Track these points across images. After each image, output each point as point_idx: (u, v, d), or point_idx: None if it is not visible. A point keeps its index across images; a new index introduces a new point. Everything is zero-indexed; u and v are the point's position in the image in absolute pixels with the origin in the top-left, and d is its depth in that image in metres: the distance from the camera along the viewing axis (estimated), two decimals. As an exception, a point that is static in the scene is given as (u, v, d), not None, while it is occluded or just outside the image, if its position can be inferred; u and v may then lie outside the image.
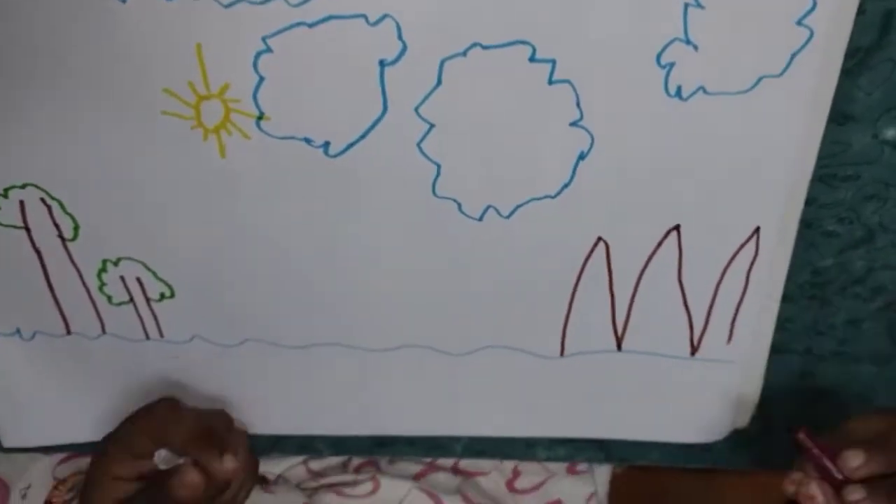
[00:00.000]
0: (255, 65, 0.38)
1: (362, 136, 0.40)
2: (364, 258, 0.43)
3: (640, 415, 0.50)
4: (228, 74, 0.38)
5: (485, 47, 0.38)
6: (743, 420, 0.50)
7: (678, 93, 0.39)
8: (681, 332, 0.47)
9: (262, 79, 0.38)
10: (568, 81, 0.39)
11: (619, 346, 0.47)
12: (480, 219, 0.43)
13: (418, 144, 0.40)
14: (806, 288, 0.46)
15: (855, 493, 0.38)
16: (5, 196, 0.42)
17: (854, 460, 0.38)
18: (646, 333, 0.47)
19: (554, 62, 0.38)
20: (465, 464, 0.54)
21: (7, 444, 0.50)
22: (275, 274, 0.44)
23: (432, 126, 0.40)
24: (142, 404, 0.44)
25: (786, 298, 0.46)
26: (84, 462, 0.52)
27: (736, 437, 0.51)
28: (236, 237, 0.43)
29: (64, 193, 0.42)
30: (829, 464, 0.39)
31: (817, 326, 0.48)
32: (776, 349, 0.48)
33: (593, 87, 0.39)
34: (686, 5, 0.36)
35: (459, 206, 0.42)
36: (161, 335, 0.47)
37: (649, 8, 0.36)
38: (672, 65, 0.38)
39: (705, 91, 0.39)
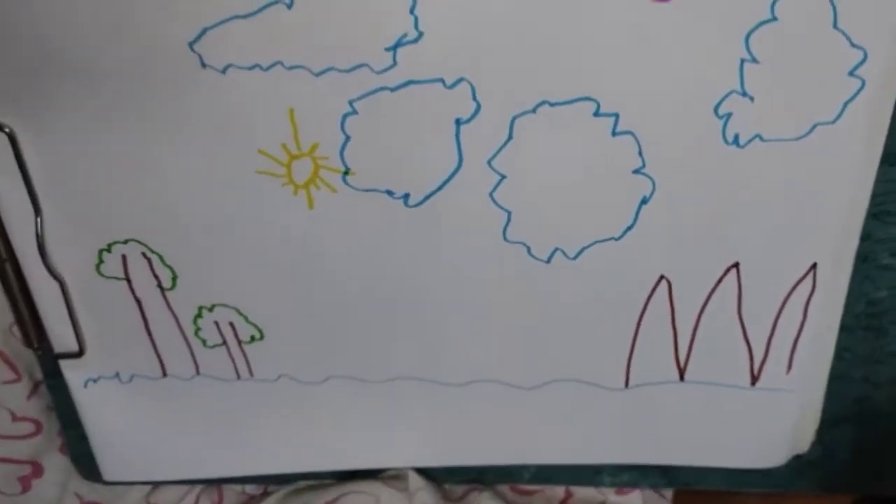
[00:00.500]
0: (342, 125, 0.41)
1: (439, 188, 0.43)
2: (441, 299, 0.46)
3: (702, 441, 0.52)
4: (318, 135, 0.41)
5: (552, 104, 0.40)
6: (803, 446, 0.52)
7: (735, 140, 0.41)
8: (741, 363, 0.49)
9: (348, 138, 0.41)
10: (630, 133, 0.41)
11: (681, 377, 0.50)
12: (548, 261, 0.45)
13: (490, 194, 0.43)
14: (862, 318, 0.48)
15: None
16: (109, 251, 0.46)
17: None
18: (707, 365, 0.49)
19: (617, 115, 0.41)
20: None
21: (108, 478, 0.54)
22: (359, 314, 0.47)
23: (503, 177, 0.43)
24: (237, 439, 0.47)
25: (843, 329, 0.48)
26: (178, 490, 0.56)
27: (796, 463, 0.53)
28: (324, 281, 0.46)
29: (164, 248, 0.45)
30: None
31: (874, 355, 0.49)
32: (835, 377, 0.49)
33: (654, 136, 0.41)
34: (742, 60, 0.39)
35: (529, 249, 0.45)
36: (251, 374, 0.50)
37: (707, 64, 0.39)
38: (729, 115, 0.40)
39: (762, 138, 0.41)
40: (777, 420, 0.50)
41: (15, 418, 0.52)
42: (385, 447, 0.53)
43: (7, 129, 0.42)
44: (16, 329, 0.49)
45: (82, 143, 0.42)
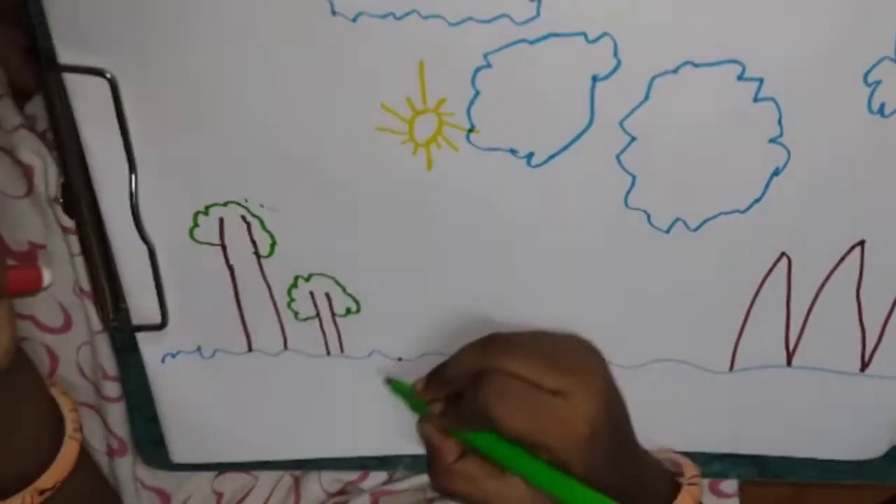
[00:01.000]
0: (473, 79, 0.39)
1: (565, 147, 0.41)
2: (554, 266, 0.44)
3: (801, 431, 0.51)
4: (446, 89, 0.39)
5: (696, 65, 0.39)
6: (902, 437, 0.51)
7: (881, 110, 0.40)
8: (853, 348, 0.47)
9: (477, 93, 0.39)
10: (772, 99, 0.40)
11: (789, 362, 0.48)
12: (668, 231, 0.43)
13: (617, 156, 0.41)
14: (976, 302, 0.47)
15: (433, 410, 0.45)
16: (206, 213, 0.43)
17: (419, 384, 0.46)
18: (818, 348, 0.47)
19: (761, 80, 0.39)
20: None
21: (177, 459, 0.50)
22: (465, 285, 0.45)
23: (633, 139, 0.41)
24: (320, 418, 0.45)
25: (957, 313, 0.47)
26: (244, 478, 0.53)
27: (892, 453, 0.51)
28: (433, 248, 0.43)
29: (267, 210, 0.42)
30: None
31: (984, 341, 0.48)
32: (942, 364, 0.48)
33: (796, 104, 0.40)
34: (900, 24, 0.37)
35: (649, 217, 0.43)
36: (342, 350, 0.47)
37: (862, 29, 0.38)
38: (878, 83, 0.39)
39: (908, 108, 0.40)
40: (883, 409, 0.49)
41: (105, 376, 0.49)
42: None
43: (108, 75, 0.39)
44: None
45: (188, 93, 0.39)
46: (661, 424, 0.50)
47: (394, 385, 0.47)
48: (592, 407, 0.40)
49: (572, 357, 0.42)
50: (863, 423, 0.50)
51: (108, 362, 0.49)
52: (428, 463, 0.46)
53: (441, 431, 0.44)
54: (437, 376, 0.45)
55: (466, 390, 0.42)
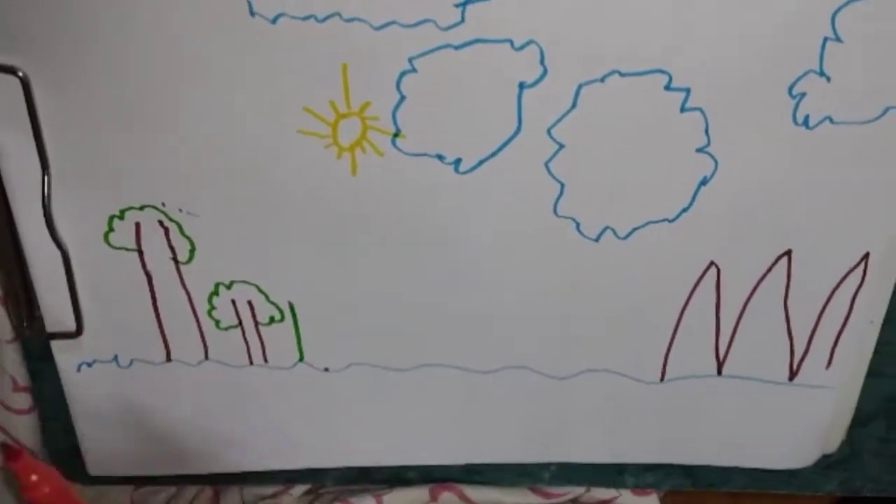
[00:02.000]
0: (398, 84, 0.38)
1: (493, 154, 0.40)
2: (482, 275, 0.43)
3: (733, 440, 0.50)
4: (370, 93, 0.38)
5: (623, 74, 0.38)
6: (832, 445, 0.51)
7: (805, 121, 0.40)
8: (781, 357, 0.47)
9: (403, 97, 0.38)
10: (699, 109, 0.39)
11: (719, 371, 0.48)
12: (597, 240, 0.43)
13: (546, 164, 0.41)
14: (904, 311, 0.47)
15: None
16: (121, 217, 0.41)
17: None
18: (747, 358, 0.47)
19: (688, 90, 0.39)
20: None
21: (94, 472, 0.48)
22: (391, 292, 0.44)
23: (562, 146, 0.40)
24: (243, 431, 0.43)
25: (884, 321, 0.47)
26: (164, 491, 0.51)
27: (823, 463, 0.52)
28: (359, 255, 0.42)
29: (185, 215, 0.41)
30: None
31: (911, 350, 0.49)
32: (869, 373, 0.49)
33: (723, 114, 0.39)
34: (825, 39, 0.37)
35: (578, 225, 0.43)
36: (265, 360, 0.46)
37: (788, 42, 0.38)
38: (803, 95, 0.39)
39: (832, 120, 0.40)
40: (812, 418, 0.49)
41: (16, 387, 0.47)
42: (398, 444, 0.50)
43: (21, 74, 0.37)
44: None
45: (102, 92, 0.38)
46: (593, 435, 0.50)
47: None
48: None
49: None
50: (792, 432, 0.50)
51: (19, 372, 0.47)
52: None
53: None
54: None
55: None
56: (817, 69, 0.38)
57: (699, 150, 0.41)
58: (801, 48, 0.38)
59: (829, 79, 0.38)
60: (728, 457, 0.51)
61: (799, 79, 0.39)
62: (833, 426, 0.50)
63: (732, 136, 0.40)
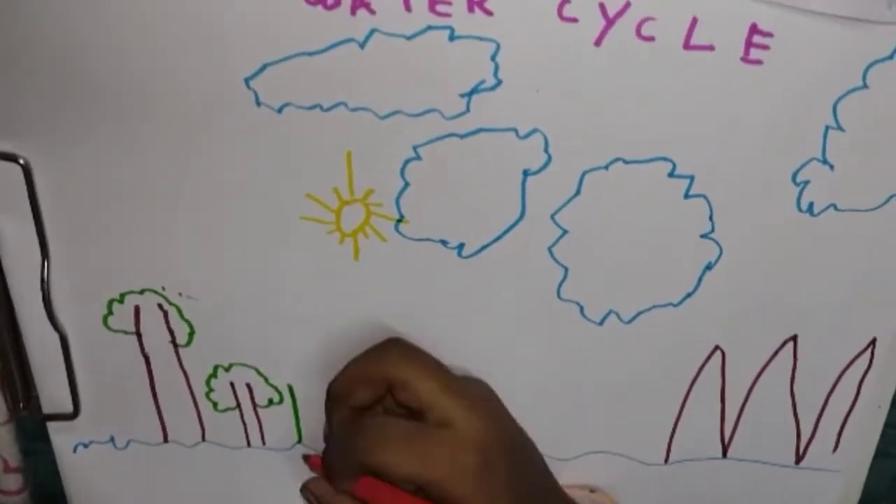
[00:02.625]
0: (402, 171, 0.38)
1: (497, 239, 0.40)
2: (485, 358, 0.43)
3: (738, 523, 0.50)
4: (374, 180, 0.38)
5: (626, 162, 0.38)
6: (839, 528, 0.50)
7: (809, 209, 0.40)
8: (787, 441, 0.47)
9: (407, 184, 0.38)
10: (703, 196, 0.39)
11: (724, 454, 0.47)
12: (601, 323, 0.43)
13: (549, 249, 0.40)
14: (909, 394, 0.47)
15: None
16: (120, 301, 0.41)
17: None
18: (753, 441, 0.47)
19: (692, 178, 0.39)
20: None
21: (91, 556, 0.47)
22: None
23: (565, 232, 0.40)
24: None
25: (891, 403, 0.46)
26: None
27: (830, 545, 0.51)
28: (361, 339, 0.42)
29: (185, 299, 0.41)
30: None
31: (918, 432, 0.48)
32: (875, 454, 0.48)
33: (727, 201, 0.39)
34: (827, 127, 0.38)
35: (582, 309, 0.42)
36: (263, 442, 0.45)
37: (791, 130, 0.38)
38: (807, 182, 0.39)
39: (836, 208, 0.40)
40: (819, 501, 0.48)
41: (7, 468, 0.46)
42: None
43: (22, 161, 0.37)
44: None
45: (103, 178, 0.38)
46: (596, 517, 0.49)
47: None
48: (481, 435, 0.37)
49: (466, 384, 0.39)
50: (799, 515, 0.49)
51: (11, 453, 0.46)
52: None
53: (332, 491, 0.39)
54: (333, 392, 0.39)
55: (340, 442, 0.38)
56: (820, 157, 0.38)
57: (703, 236, 0.41)
58: (804, 136, 0.38)
59: (832, 167, 0.39)
60: (734, 541, 0.50)
61: (802, 166, 0.39)
62: (840, 508, 0.49)
63: (737, 222, 0.40)
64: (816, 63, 0.36)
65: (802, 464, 0.47)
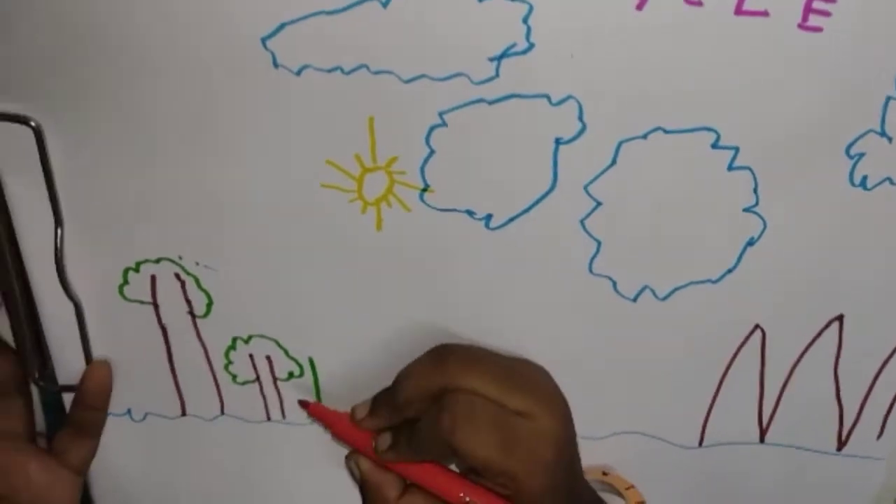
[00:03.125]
0: (427, 138, 0.36)
1: (526, 210, 0.38)
2: (514, 332, 0.41)
3: (775, 510, 0.48)
4: (398, 147, 0.36)
5: (667, 132, 0.36)
6: (880, 516, 0.48)
7: (863, 182, 0.37)
8: (829, 426, 0.45)
9: (432, 152, 0.36)
10: (748, 168, 0.37)
11: (762, 438, 0.45)
12: (635, 300, 0.41)
13: (581, 221, 0.38)
14: (957, 380, 0.44)
15: (382, 442, 0.39)
16: (136, 270, 0.40)
17: (360, 412, 0.40)
18: (792, 426, 0.45)
19: (737, 149, 0.36)
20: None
21: (107, 528, 0.47)
22: (415, 351, 0.41)
23: (599, 204, 0.38)
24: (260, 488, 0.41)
25: (939, 391, 0.44)
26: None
27: (869, 534, 0.49)
28: (384, 312, 0.40)
29: (203, 269, 0.39)
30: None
31: (964, 420, 0.46)
32: (921, 443, 0.46)
33: (774, 174, 0.37)
34: (888, 98, 0.35)
35: (615, 284, 0.40)
36: (283, 416, 0.44)
37: (848, 101, 0.35)
38: (862, 155, 0.37)
39: (892, 182, 0.37)
40: (861, 489, 0.46)
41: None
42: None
43: (33, 123, 0.36)
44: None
45: (117, 143, 0.36)
46: (626, 499, 0.48)
47: (315, 411, 0.42)
48: (558, 429, 0.37)
49: (532, 377, 0.38)
50: (840, 503, 0.47)
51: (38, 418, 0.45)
52: (364, 502, 0.40)
53: (378, 464, 0.39)
54: (386, 401, 0.39)
55: (422, 415, 0.37)
56: (878, 129, 0.36)
57: (747, 210, 0.38)
58: (862, 107, 0.36)
59: (890, 139, 0.36)
60: (769, 528, 0.49)
61: (858, 138, 0.36)
62: (882, 498, 0.47)
63: (783, 196, 0.38)
64: (880, 31, 0.33)
65: (845, 450, 0.45)
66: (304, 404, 0.42)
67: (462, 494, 0.37)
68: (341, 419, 0.40)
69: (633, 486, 0.45)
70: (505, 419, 0.36)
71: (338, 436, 0.41)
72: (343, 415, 0.40)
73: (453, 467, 0.39)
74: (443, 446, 0.36)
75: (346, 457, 0.40)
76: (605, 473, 0.46)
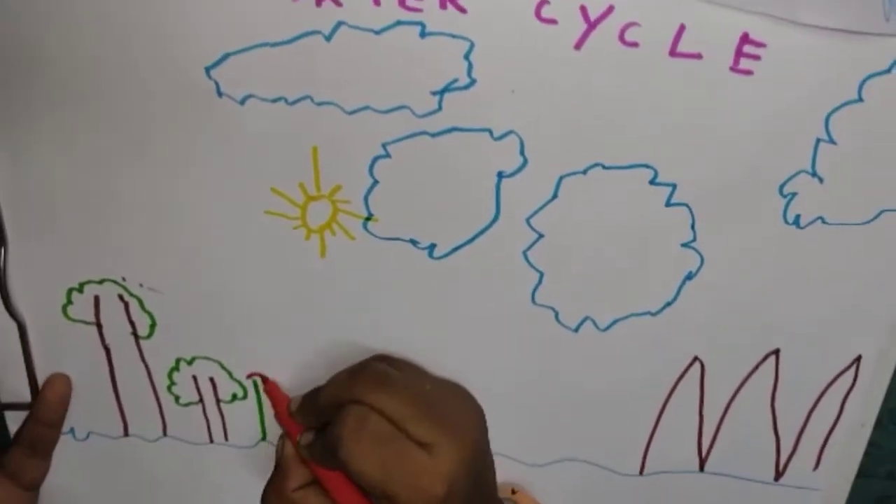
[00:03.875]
0: (371, 169, 0.36)
1: (469, 241, 0.39)
2: (456, 360, 0.41)
3: (714, 538, 0.48)
4: (341, 177, 0.37)
5: (606, 167, 0.37)
6: (819, 547, 0.49)
7: (796, 221, 0.38)
8: (767, 457, 0.45)
9: (375, 182, 0.37)
10: (685, 205, 0.38)
11: (701, 468, 0.46)
12: (576, 329, 0.41)
13: (524, 252, 0.39)
14: None
15: (304, 439, 0.39)
16: (80, 291, 0.40)
17: (293, 405, 0.40)
18: (731, 456, 0.45)
19: (674, 186, 0.37)
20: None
21: (49, 548, 0.47)
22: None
23: (541, 236, 0.39)
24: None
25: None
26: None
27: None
28: (326, 338, 0.41)
29: (147, 291, 0.39)
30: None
31: (902, 453, 0.47)
32: (858, 473, 0.46)
33: (710, 210, 0.38)
34: (818, 140, 0.36)
35: (557, 314, 0.41)
36: (226, 438, 0.44)
37: (781, 142, 0.36)
38: (794, 195, 0.37)
39: (824, 221, 0.38)
40: (797, 519, 0.47)
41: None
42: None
43: (-26, 142, 0.36)
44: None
45: (63, 166, 0.37)
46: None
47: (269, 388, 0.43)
48: (456, 466, 0.36)
49: (448, 407, 0.38)
50: (776, 532, 0.48)
51: None
52: (269, 480, 0.40)
53: (297, 454, 0.39)
54: (311, 402, 0.39)
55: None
56: (809, 170, 0.37)
57: (685, 245, 0.39)
58: (793, 148, 0.36)
59: (821, 180, 0.37)
60: (708, 557, 0.49)
61: (790, 178, 0.37)
62: (819, 529, 0.48)
63: (720, 232, 0.38)
64: (810, 75, 0.34)
65: (782, 480, 0.46)
66: (263, 379, 0.42)
67: None
68: (284, 404, 0.41)
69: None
70: (397, 443, 0.36)
71: (278, 418, 0.41)
72: (288, 401, 0.41)
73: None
74: (333, 458, 0.36)
75: (280, 436, 0.41)
76: (513, 492, 0.46)
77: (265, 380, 0.42)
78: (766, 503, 0.46)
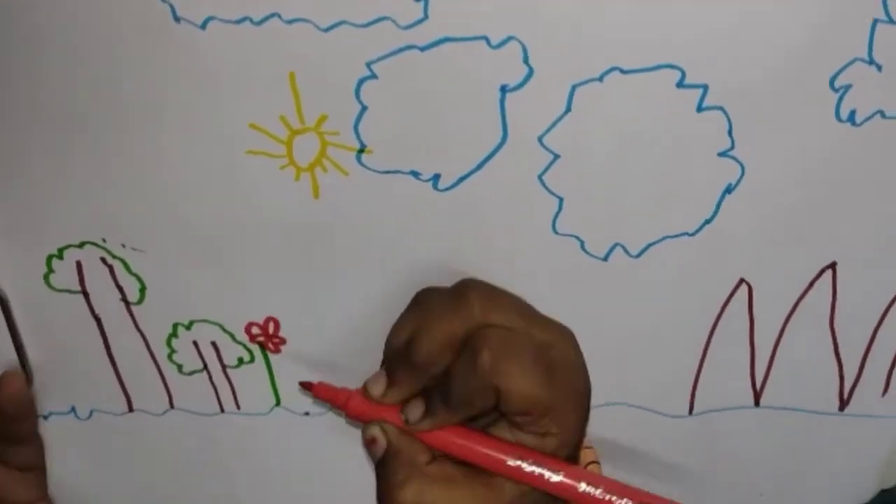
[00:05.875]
0: (357, 93, 0.32)
1: (477, 168, 0.35)
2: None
3: (777, 480, 0.44)
4: (326, 105, 0.33)
5: (624, 72, 0.32)
6: (891, 479, 0.45)
7: (851, 117, 0.34)
8: (829, 385, 0.41)
9: (364, 108, 0.33)
10: (720, 108, 0.33)
11: (756, 402, 0.42)
12: (605, 258, 0.37)
13: (539, 176, 0.35)
14: (968, 328, 0.41)
15: (414, 411, 0.34)
16: (60, 257, 0.37)
17: (376, 388, 0.34)
18: (789, 386, 0.41)
19: (706, 87, 0.33)
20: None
21: (57, 532, 0.44)
22: (370, 328, 0.38)
23: (557, 157, 0.34)
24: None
25: (947, 340, 0.40)
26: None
27: (881, 498, 0.45)
28: (331, 287, 0.37)
29: (130, 251, 0.36)
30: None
31: (980, 372, 0.42)
32: (932, 396, 0.42)
33: (749, 113, 0.34)
34: (875, 21, 0.31)
35: (582, 244, 0.37)
36: (238, 407, 0.41)
37: (831, 25, 0.32)
38: (848, 87, 0.33)
39: (883, 115, 0.34)
40: (868, 451, 0.43)
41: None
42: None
43: (-67, 102, 0.33)
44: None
45: (27, 120, 0.33)
46: (613, 475, 0.44)
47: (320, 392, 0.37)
48: (580, 356, 0.34)
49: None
50: (845, 467, 0.44)
51: None
52: (384, 477, 0.34)
53: (406, 435, 0.34)
54: (404, 366, 0.34)
55: (452, 367, 0.33)
56: (866, 57, 0.32)
57: (721, 155, 0.35)
58: (846, 33, 0.32)
59: (880, 67, 0.32)
60: (772, 500, 0.45)
61: (843, 68, 0.33)
62: (892, 458, 0.44)
63: (762, 136, 0.34)
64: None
65: (847, 410, 0.42)
66: (306, 386, 0.37)
67: (509, 458, 0.33)
68: (353, 396, 0.35)
69: (591, 447, 0.42)
70: (539, 350, 0.33)
71: (353, 415, 0.35)
72: (353, 392, 0.35)
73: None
74: (486, 393, 0.32)
75: (366, 425, 0.35)
76: None
77: (310, 385, 0.36)
78: (832, 436, 0.42)
